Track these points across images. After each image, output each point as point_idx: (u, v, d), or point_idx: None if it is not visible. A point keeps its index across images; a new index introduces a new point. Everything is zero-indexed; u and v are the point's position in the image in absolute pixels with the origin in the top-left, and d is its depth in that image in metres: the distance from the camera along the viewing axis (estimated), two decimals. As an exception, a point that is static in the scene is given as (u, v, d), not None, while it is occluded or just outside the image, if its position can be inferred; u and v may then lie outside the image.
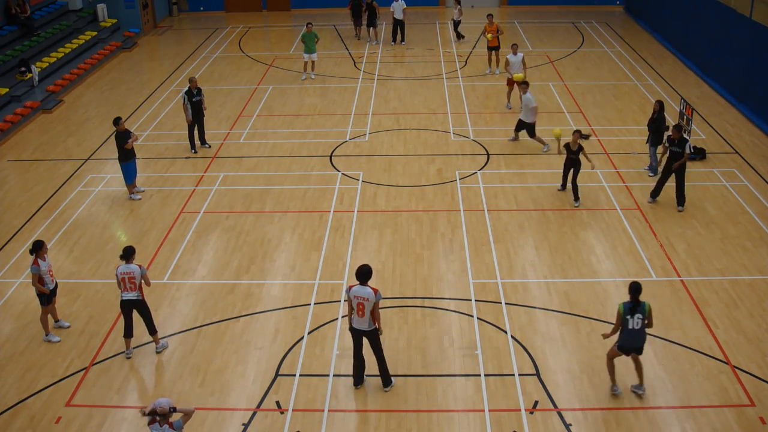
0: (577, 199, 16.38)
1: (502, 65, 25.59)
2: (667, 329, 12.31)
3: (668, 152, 15.77)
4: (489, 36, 24.66)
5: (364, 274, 10.62)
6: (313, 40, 24.62)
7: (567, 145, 16.16)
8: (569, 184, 16.56)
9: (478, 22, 32.37)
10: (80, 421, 10.71)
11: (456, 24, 29.33)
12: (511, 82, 21.65)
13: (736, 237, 15.03)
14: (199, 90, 19.09)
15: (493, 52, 25.03)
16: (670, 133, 15.96)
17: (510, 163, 18.42)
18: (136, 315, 11.86)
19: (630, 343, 10.55)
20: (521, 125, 19.16)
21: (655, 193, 16.28)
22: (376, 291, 10.59)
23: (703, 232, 15.22)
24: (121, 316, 11.94)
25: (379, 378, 11.19)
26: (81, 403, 11.05)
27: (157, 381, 11.53)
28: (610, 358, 10.85)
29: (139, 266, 11.60)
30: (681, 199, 16.02)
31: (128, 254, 11.59)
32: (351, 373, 11.38)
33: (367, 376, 11.26)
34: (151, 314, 11.94)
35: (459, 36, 29.50)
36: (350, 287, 10.71)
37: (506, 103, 22.15)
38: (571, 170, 16.34)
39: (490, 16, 25.23)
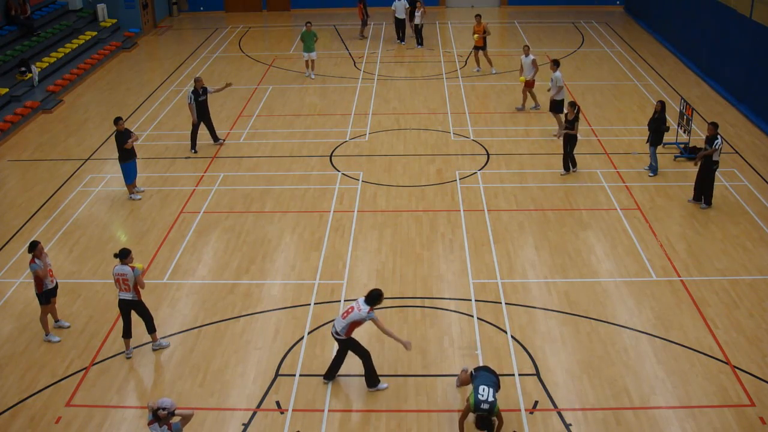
0: (574, 165, 17.73)
1: (494, 64, 25.70)
2: (667, 329, 12.32)
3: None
4: (475, 36, 24.83)
5: (371, 296, 10.77)
6: (312, 39, 24.69)
7: (565, 114, 17.41)
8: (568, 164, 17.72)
9: (478, 22, 32.40)
10: (80, 421, 10.71)
11: (418, 28, 28.62)
12: (528, 84, 21.39)
13: (736, 237, 15.03)
14: (205, 89, 19.13)
15: (479, 51, 25.12)
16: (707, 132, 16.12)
17: (510, 163, 18.42)
18: (135, 316, 11.87)
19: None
20: (552, 104, 19.85)
21: (697, 198, 16.24)
22: (370, 310, 10.69)
23: (703, 232, 15.22)
24: (121, 316, 11.94)
25: (382, 378, 11.21)
26: (81, 403, 11.05)
27: (157, 381, 11.53)
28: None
29: (132, 268, 11.56)
30: (699, 196, 16.12)
31: (123, 255, 11.58)
32: (351, 373, 11.43)
33: (379, 376, 11.23)
34: (149, 314, 11.95)
35: (419, 41, 28.84)
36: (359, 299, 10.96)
37: (521, 105, 21.87)
38: (568, 144, 17.40)
39: (478, 16, 25.36)
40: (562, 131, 18.00)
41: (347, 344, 10.96)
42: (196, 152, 19.41)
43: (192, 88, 19.16)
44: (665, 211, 16.04)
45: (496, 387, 9.97)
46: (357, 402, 10.98)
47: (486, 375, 10.07)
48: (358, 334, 12.17)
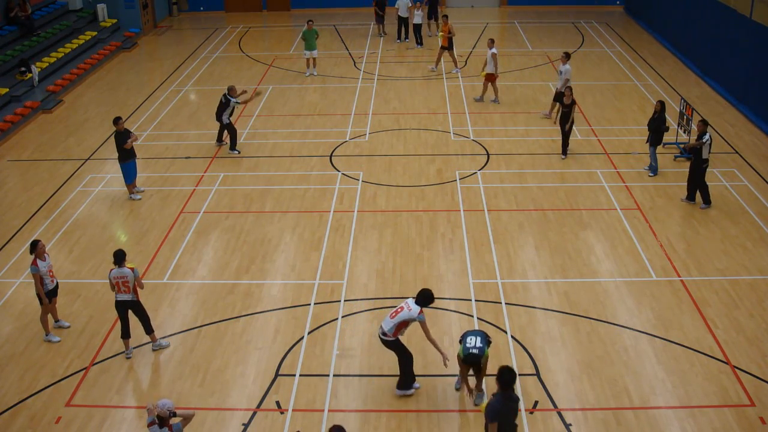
0: (564, 152, 18.53)
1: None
2: (667, 329, 12.32)
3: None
4: (440, 35, 25.20)
5: (424, 296, 10.63)
6: (313, 37, 24.78)
7: (561, 100, 18.43)
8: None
9: (478, 22, 32.41)
10: (80, 421, 10.71)
11: (418, 27, 28.58)
12: (487, 78, 22.31)
13: (736, 237, 15.03)
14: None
15: (445, 51, 25.41)
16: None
17: (510, 163, 18.42)
18: (133, 316, 11.86)
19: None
20: (557, 96, 20.28)
21: (690, 197, 16.29)
22: (420, 312, 10.54)
23: (703, 232, 15.22)
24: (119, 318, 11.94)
25: (382, 378, 11.21)
26: (81, 403, 11.05)
27: (157, 381, 11.53)
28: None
29: (132, 269, 11.57)
30: (692, 195, 16.16)
31: (119, 259, 11.55)
32: (351, 373, 11.46)
33: (379, 376, 11.23)
34: (146, 314, 11.96)
35: (419, 41, 28.79)
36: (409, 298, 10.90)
37: (479, 96, 22.84)
38: (564, 125, 18.33)
39: (445, 17, 25.72)
40: (555, 115, 19.39)
41: (394, 345, 10.78)
42: (239, 152, 19.37)
43: (227, 94, 18.98)
44: (665, 211, 16.04)
45: (485, 336, 10.59)
46: (357, 402, 10.98)
47: (471, 330, 10.72)
48: (363, 335, 12.17)
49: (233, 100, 18.95)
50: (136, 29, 31.40)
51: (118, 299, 11.71)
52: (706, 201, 16.07)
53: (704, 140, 15.57)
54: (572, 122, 18.27)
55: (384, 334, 10.71)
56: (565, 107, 18.23)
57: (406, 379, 10.99)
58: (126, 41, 30.18)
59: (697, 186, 16.02)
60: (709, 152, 15.77)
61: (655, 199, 16.54)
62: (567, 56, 20.68)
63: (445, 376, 11.37)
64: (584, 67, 26.01)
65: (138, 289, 11.73)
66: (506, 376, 8.89)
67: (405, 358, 10.88)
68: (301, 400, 10.99)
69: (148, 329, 12.00)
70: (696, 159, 15.81)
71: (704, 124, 15.87)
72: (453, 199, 16.71)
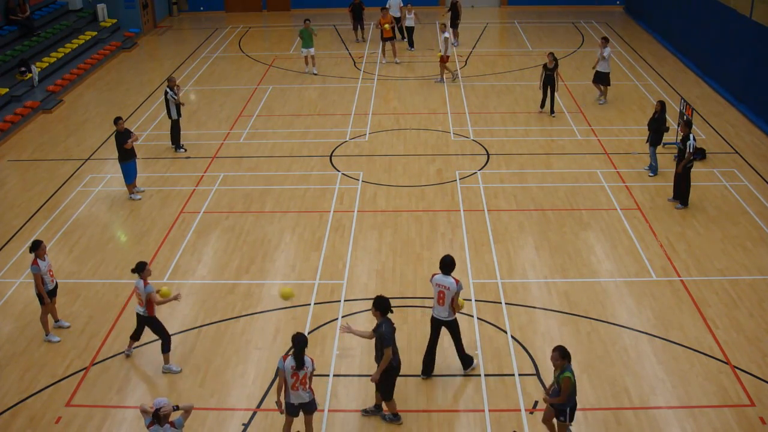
0: (552, 111, 21.12)
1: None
2: (667, 329, 12.32)
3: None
4: (387, 26, 25.90)
5: (447, 264, 10.87)
6: (310, 36, 24.81)
7: (544, 65, 20.78)
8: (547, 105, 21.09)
9: (478, 22, 32.40)
10: (80, 421, 10.71)
11: (410, 30, 28.37)
12: (442, 59, 23.91)
13: (736, 237, 15.03)
14: (177, 88, 19.15)
15: (388, 42, 26.36)
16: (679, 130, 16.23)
17: (510, 163, 18.42)
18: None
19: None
20: (598, 76, 22.10)
21: (683, 199, 16.23)
22: (457, 281, 10.79)
23: (703, 232, 15.22)
24: (121, 316, 11.91)
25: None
26: (81, 403, 11.05)
27: (157, 381, 11.52)
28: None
29: (145, 285, 11.20)
30: (681, 197, 16.07)
31: (138, 269, 11.25)
32: (351, 373, 11.43)
33: (361, 376, 11.23)
34: (164, 332, 11.56)
35: (410, 44, 28.57)
36: (433, 275, 11.01)
37: (440, 78, 24.47)
38: (548, 88, 20.83)
39: (384, 9, 26.58)
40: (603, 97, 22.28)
41: (454, 325, 11.08)
42: (185, 150, 19.45)
43: (168, 86, 18.95)
44: (665, 211, 16.04)
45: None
46: (357, 402, 10.98)
47: None
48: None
49: (170, 92, 18.87)
50: (136, 29, 31.40)
51: (136, 311, 11.51)
52: (684, 203, 16.03)
53: (690, 147, 15.57)
54: (555, 83, 20.74)
55: (445, 318, 10.98)
56: (548, 71, 20.56)
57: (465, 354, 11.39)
58: (126, 41, 30.18)
59: (682, 185, 15.99)
60: (693, 150, 15.76)
61: (655, 199, 16.54)
62: (606, 40, 21.98)
63: (445, 376, 11.37)
64: (584, 67, 26.00)
65: (154, 304, 11.31)
66: (385, 303, 9.97)
67: (459, 334, 11.20)
68: (301, 400, 10.98)
69: (164, 348, 11.61)
70: (680, 160, 15.78)
71: (688, 125, 15.87)
72: (453, 199, 16.71)
